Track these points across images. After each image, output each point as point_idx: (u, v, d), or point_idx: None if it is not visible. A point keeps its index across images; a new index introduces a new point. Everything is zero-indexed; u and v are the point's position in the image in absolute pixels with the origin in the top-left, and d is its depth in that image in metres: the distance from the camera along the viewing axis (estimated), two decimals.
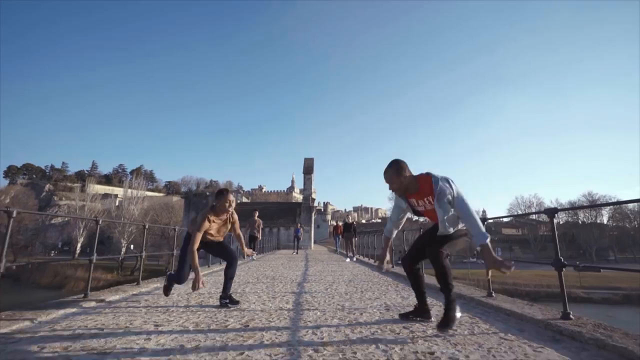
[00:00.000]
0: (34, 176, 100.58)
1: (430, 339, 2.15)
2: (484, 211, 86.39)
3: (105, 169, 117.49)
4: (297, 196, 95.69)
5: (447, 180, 2.32)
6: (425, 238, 2.56)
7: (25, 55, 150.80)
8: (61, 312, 2.88)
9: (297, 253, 15.58)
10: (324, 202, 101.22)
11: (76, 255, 56.86)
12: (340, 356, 1.84)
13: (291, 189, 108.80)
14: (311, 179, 26.62)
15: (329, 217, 79.30)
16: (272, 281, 5.12)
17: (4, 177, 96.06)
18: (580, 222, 62.51)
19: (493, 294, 3.49)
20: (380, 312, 2.95)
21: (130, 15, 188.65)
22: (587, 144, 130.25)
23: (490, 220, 3.88)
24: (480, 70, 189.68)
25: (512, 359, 1.78)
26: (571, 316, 2.44)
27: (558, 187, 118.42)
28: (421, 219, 3.14)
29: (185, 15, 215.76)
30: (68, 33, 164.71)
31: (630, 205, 62.88)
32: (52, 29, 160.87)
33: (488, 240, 2.12)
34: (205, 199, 26.65)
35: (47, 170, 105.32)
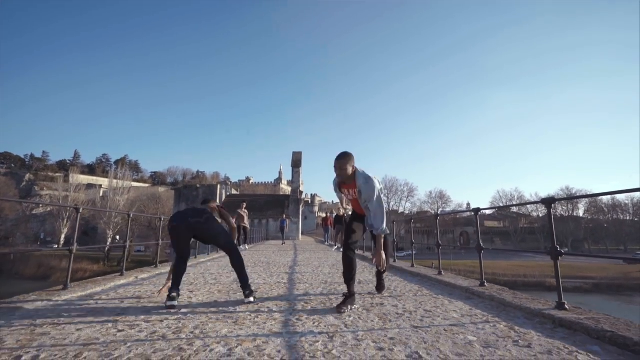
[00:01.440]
0: (13, 165, 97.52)
1: (384, 297, 3.08)
2: (468, 204, 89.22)
3: (88, 158, 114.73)
4: (285, 188, 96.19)
5: (368, 178, 2.74)
6: (354, 224, 3.01)
7: (4, 41, 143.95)
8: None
9: (284, 243, 16.17)
10: (311, 194, 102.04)
11: (60, 246, 56.26)
12: (322, 305, 2.75)
13: (279, 180, 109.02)
14: (299, 173, 27.41)
15: (316, 208, 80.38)
16: (267, 265, 5.94)
17: None
18: (558, 215, 65.42)
19: (442, 273, 4.46)
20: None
21: (117, 9, 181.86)
22: (563, 141, 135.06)
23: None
24: (463, 64, 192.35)
25: (432, 306, 2.73)
26: (486, 284, 3.41)
27: (537, 182, 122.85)
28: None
29: (173, 9, 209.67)
30: (71, 29, 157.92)
31: (605, 199, 66.53)
32: (53, 25, 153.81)
33: (382, 233, 2.75)
34: (196, 191, 27.04)
35: (26, 160, 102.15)
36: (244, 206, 10.70)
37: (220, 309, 2.63)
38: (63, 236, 57.49)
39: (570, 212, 65.48)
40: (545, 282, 37.05)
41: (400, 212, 68.03)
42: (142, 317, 2.36)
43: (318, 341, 1.87)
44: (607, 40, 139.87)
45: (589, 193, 64.48)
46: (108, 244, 51.16)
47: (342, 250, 2.92)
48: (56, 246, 54.97)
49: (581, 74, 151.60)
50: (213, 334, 1.99)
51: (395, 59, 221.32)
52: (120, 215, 48.29)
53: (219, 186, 28.87)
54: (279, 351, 1.72)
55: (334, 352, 1.71)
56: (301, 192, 29.15)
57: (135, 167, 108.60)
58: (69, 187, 65.20)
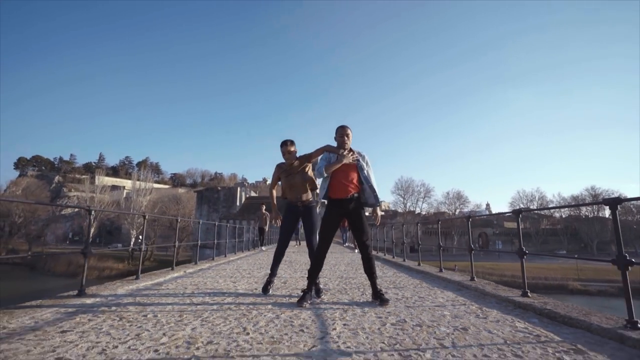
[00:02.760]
0: (43, 168, 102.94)
1: (388, 288, 3.81)
2: (487, 204, 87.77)
3: (112, 160, 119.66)
4: None
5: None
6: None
7: (31, 46, 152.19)
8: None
9: (299, 244, 16.13)
10: None
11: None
12: (338, 293, 3.50)
13: None
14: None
15: (315, 204, 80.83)
16: (290, 264, 6.72)
17: (14, 168, 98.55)
18: (583, 216, 63.47)
19: (443, 270, 5.15)
20: (365, 278, 4.58)
21: (139, 6, 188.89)
22: (589, 140, 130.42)
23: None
24: (483, 67, 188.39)
25: (425, 294, 3.42)
26: (475, 279, 4.08)
27: (560, 182, 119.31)
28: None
29: (194, 7, 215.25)
30: (74, 23, 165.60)
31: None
32: (57, 20, 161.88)
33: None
34: (217, 194, 28.29)
35: (55, 162, 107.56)
36: (264, 208, 11.46)
37: (261, 293, 3.46)
38: (90, 235, 60.26)
39: (596, 213, 63.32)
40: (567, 285, 36.34)
41: (417, 212, 67.74)
42: (207, 297, 3.15)
43: (336, 312, 2.58)
44: (632, 37, 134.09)
45: (616, 193, 62.60)
46: (132, 243, 53.62)
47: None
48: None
49: (606, 72, 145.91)
50: (262, 307, 2.75)
51: (413, 61, 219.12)
52: (142, 216, 50.37)
53: (238, 189, 30.05)
54: (310, 317, 2.44)
55: (347, 318, 2.40)
56: (317, 194, 29.90)
57: (156, 169, 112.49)
58: (95, 189, 68.29)
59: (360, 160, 3.10)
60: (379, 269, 5.92)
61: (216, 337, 1.97)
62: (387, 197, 72.49)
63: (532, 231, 63.48)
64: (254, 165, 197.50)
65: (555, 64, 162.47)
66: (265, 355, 1.69)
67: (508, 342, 1.91)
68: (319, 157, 3.17)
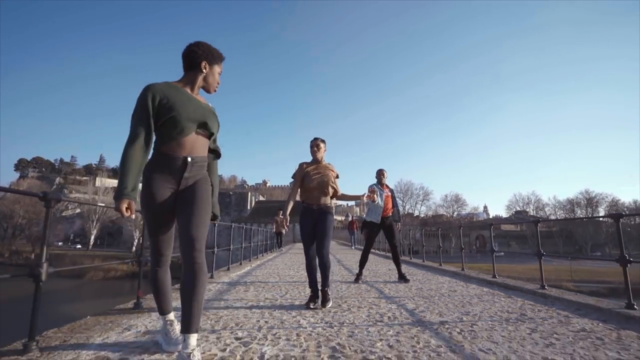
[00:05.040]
0: (44, 169, 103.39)
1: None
2: (485, 207, 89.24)
3: (112, 162, 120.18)
4: None
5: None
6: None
7: (31, 47, 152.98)
8: None
9: (282, 249, 15.28)
10: None
11: (90, 247, 60.07)
12: (375, 278, 4.82)
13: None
14: None
15: (333, 211, 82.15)
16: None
17: (14, 170, 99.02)
18: (577, 219, 64.86)
19: (442, 265, 6.33)
20: (368, 271, 5.90)
21: (138, 7, 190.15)
22: (584, 143, 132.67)
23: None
24: (480, 69, 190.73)
25: (432, 278, 4.70)
26: (465, 270, 5.16)
27: (555, 184, 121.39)
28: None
29: (191, 8, 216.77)
30: (72, 25, 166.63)
31: (626, 202, 65.83)
32: (58, 21, 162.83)
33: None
34: (229, 198, 29.25)
35: (56, 164, 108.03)
36: (281, 213, 12.50)
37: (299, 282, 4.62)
38: (93, 237, 60.87)
39: (590, 215, 64.89)
40: (562, 285, 37.56)
41: (415, 215, 68.97)
42: (278, 279, 4.31)
43: (380, 285, 3.81)
44: (627, 43, 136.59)
45: (612, 197, 64.47)
46: (134, 244, 54.34)
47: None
48: (80, 246, 58.33)
49: (601, 77, 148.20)
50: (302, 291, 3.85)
51: (409, 63, 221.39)
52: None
53: (249, 193, 30.99)
54: (367, 289, 3.69)
55: (388, 287, 3.59)
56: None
57: None
58: (97, 190, 69.01)
59: (391, 192, 4.92)
60: (375, 263, 7.50)
61: (292, 290, 3.20)
62: None
63: (529, 233, 64.92)
64: (253, 167, 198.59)
65: (550, 64, 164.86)
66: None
67: (478, 296, 3.19)
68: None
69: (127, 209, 1.42)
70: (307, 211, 3.18)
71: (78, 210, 73.32)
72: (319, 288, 3.00)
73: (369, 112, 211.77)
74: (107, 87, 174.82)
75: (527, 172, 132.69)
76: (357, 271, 4.79)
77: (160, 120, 1.49)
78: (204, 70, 1.64)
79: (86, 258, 48.64)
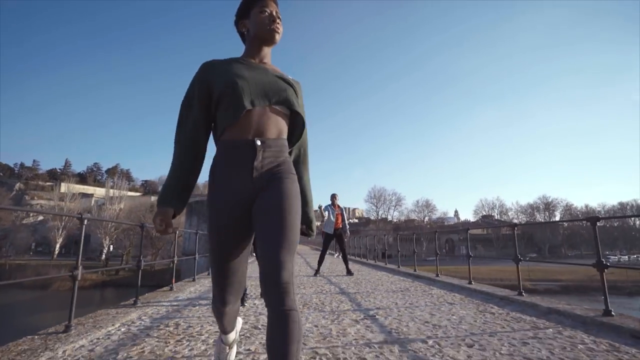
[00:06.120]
0: (1, 174, 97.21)
1: (357, 271, 5.83)
2: (456, 211, 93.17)
3: (79, 167, 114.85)
4: None
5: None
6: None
7: None
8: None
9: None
10: None
11: (54, 256, 57.06)
12: (332, 273, 5.68)
13: None
14: None
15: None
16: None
17: None
18: (537, 222, 69.41)
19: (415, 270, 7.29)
20: (329, 270, 6.80)
21: (107, 19, 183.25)
22: (541, 150, 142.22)
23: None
24: (443, 70, 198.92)
25: (374, 273, 5.57)
26: (417, 271, 6.15)
27: (517, 190, 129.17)
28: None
29: (160, 19, 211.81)
30: (43, 27, 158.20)
31: (579, 207, 71.27)
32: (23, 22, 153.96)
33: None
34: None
35: (15, 168, 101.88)
36: None
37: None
38: (58, 246, 57.88)
39: (548, 219, 69.53)
40: (521, 285, 40.31)
41: (389, 220, 71.01)
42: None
43: (333, 278, 4.60)
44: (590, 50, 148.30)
45: (566, 201, 69.87)
46: (104, 253, 52.36)
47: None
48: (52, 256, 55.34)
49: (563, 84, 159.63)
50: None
51: (375, 68, 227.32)
52: (114, 225, 49.47)
53: None
54: (322, 280, 4.48)
55: (337, 279, 4.42)
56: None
57: (127, 176, 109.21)
58: (64, 197, 65.65)
59: (341, 211, 6.51)
60: (357, 264, 8.54)
61: None
62: (360, 205, 75.40)
63: (494, 236, 68.70)
64: None
65: (512, 75, 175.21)
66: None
67: (442, 299, 3.93)
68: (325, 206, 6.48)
69: (162, 221, 1.08)
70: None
71: (41, 218, 69.37)
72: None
73: (344, 117, 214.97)
74: (73, 89, 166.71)
75: (493, 177, 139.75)
76: (316, 267, 6.48)
77: (217, 100, 1.14)
78: (243, 30, 1.28)
79: (51, 268, 46.32)
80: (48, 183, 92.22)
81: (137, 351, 1.94)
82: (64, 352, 1.90)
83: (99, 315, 2.78)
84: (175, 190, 1.13)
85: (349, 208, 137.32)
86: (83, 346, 2.02)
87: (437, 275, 5.42)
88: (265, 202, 1.08)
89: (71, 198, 64.54)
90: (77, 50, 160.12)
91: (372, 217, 72.47)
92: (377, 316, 2.82)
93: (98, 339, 2.20)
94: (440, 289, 4.40)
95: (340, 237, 6.39)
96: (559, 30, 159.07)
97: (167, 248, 46.10)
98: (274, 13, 1.22)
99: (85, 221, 2.66)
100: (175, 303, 3.51)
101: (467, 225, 75.27)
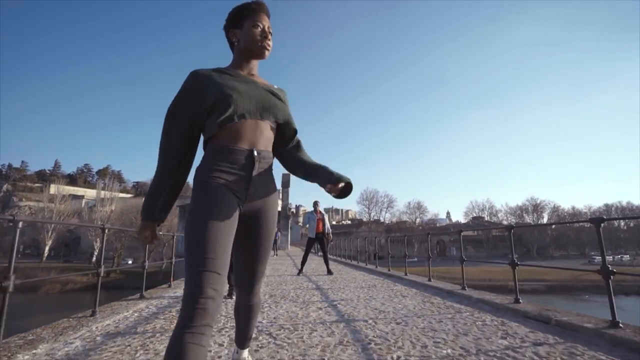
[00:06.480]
0: None
1: (338, 273, 6.54)
2: (448, 212, 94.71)
3: (68, 168, 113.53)
4: None
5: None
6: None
7: None
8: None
9: (277, 255, 16.92)
10: (295, 205, 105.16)
11: (43, 259, 56.46)
12: (316, 272, 6.40)
13: None
14: (288, 192, 31.44)
15: (300, 219, 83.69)
16: (279, 266, 9.42)
17: None
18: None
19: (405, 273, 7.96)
20: (312, 269, 7.37)
21: (101, 23, 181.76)
22: (530, 150, 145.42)
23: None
24: (428, 73, 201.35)
25: (357, 274, 6.31)
26: (392, 272, 6.88)
27: (506, 191, 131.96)
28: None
29: (152, 22, 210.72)
30: (38, 37, 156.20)
31: (566, 208, 73.09)
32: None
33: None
34: None
35: (3, 170, 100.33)
36: None
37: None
38: (47, 248, 57.26)
39: (537, 220, 71.03)
40: (507, 286, 41.42)
41: (381, 221, 71.92)
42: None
43: (314, 278, 5.31)
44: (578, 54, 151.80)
45: (554, 203, 71.55)
46: (94, 256, 51.98)
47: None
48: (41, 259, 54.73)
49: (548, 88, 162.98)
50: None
51: (366, 70, 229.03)
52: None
53: None
54: (306, 279, 5.20)
55: (317, 278, 5.12)
56: (290, 209, 32.78)
57: (118, 177, 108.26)
58: (54, 198, 64.82)
59: (322, 216, 7.17)
60: (342, 266, 9.27)
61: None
62: (353, 206, 76.20)
63: (484, 238, 70.07)
64: None
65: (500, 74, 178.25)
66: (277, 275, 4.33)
67: (398, 293, 4.67)
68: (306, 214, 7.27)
69: (148, 235, 1.16)
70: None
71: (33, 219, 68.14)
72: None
73: (331, 119, 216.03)
74: (64, 86, 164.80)
75: (482, 179, 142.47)
76: (300, 268, 7.12)
77: (208, 109, 1.13)
78: (233, 40, 1.29)
79: (41, 271, 46.00)
80: (37, 184, 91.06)
81: (151, 327, 2.62)
82: (96, 327, 2.58)
83: (114, 305, 3.44)
84: (158, 202, 1.15)
85: (341, 210, 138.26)
86: (109, 324, 2.70)
87: (406, 274, 6.15)
88: (251, 220, 1.21)
89: (61, 199, 63.70)
90: (68, 53, 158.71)
91: (364, 219, 73.30)
92: (338, 305, 3.53)
93: (119, 320, 2.89)
94: (403, 286, 5.10)
95: (322, 240, 7.09)
96: (548, 32, 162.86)
97: (159, 250, 46.30)
98: (266, 29, 1.25)
99: (107, 230, 3.23)
100: (174, 296, 4.17)
101: (458, 226, 76.32)
